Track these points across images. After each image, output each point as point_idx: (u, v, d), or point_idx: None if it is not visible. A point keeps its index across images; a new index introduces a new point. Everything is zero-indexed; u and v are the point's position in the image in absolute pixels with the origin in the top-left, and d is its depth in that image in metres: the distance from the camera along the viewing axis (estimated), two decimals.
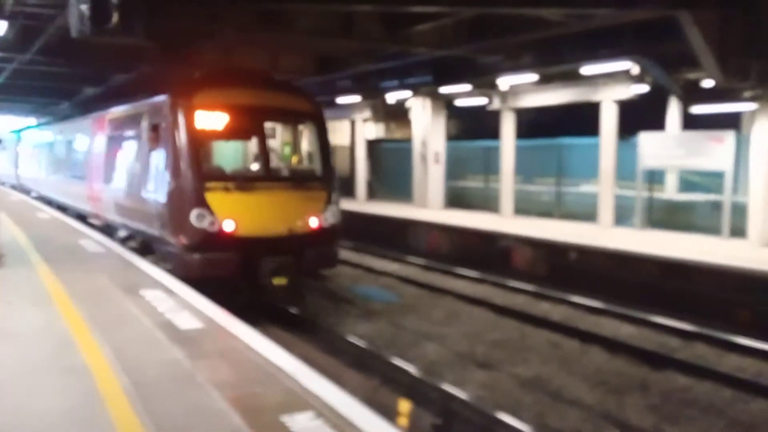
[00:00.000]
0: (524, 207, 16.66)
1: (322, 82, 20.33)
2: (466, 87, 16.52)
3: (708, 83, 12.45)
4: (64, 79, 22.59)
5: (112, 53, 16.23)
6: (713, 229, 12.63)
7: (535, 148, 16.97)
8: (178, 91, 9.13)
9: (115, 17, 7.02)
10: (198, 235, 8.29)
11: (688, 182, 14.75)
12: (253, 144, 9.85)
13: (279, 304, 9.07)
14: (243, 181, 8.77)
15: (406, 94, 18.58)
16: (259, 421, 3.56)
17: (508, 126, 16.64)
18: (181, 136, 8.66)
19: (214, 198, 8.42)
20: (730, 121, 14.07)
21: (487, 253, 13.47)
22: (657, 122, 15.58)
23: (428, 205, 18.56)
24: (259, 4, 11.65)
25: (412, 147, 19.30)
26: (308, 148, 10.00)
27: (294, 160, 10.17)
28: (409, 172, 19.45)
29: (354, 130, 23.27)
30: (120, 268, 8.70)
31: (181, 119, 8.72)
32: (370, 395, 6.22)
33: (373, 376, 6.97)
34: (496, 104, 16.68)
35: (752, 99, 11.42)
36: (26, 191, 21.99)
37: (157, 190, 9.09)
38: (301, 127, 10.37)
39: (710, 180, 13.52)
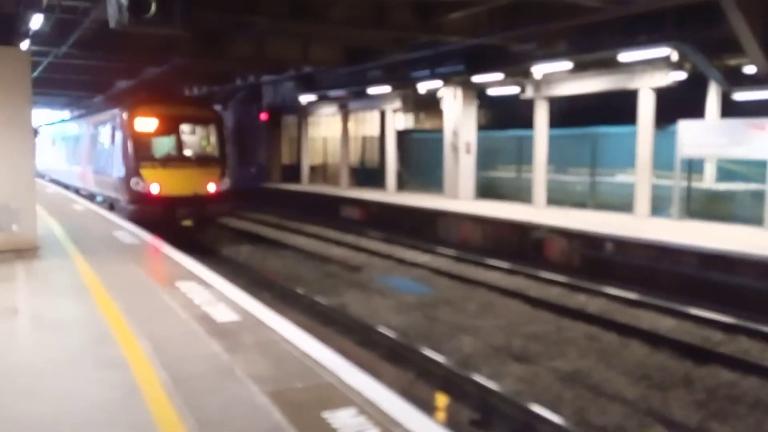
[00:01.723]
0: (557, 197, 16.37)
1: (352, 72, 20.27)
2: (499, 76, 16.25)
3: (750, 69, 12.00)
4: (98, 73, 22.93)
5: (145, 46, 16.38)
6: (754, 220, 12.23)
7: (568, 137, 16.64)
8: (126, 106, 15.30)
9: (153, 7, 7.01)
10: (135, 194, 14.13)
11: (727, 171, 14.30)
12: (172, 138, 15.11)
13: (187, 237, 13.47)
14: (164, 161, 14.57)
15: (437, 83, 18.38)
16: (301, 418, 3.51)
17: (541, 115, 16.34)
18: (127, 135, 14.51)
19: (145, 172, 14.17)
20: None
21: (520, 244, 13.27)
22: (695, 110, 15.11)
23: (459, 196, 18.38)
24: None
25: (443, 137, 19.11)
26: (209, 141, 15.68)
27: (199, 148, 15.64)
28: (440, 163, 19.27)
29: (384, 120, 23.15)
30: (154, 259, 8.80)
31: (127, 123, 14.56)
32: (406, 389, 6.16)
33: (408, 369, 6.90)
34: (529, 93, 16.38)
35: None
36: (41, 176, 25.83)
37: (115, 169, 14.98)
38: (204, 127, 15.70)
39: (750, 169, 13.08)
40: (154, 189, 14.10)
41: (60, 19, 14.66)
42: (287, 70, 21.17)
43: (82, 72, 22.59)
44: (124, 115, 14.78)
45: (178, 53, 16.82)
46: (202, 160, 15.14)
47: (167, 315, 5.80)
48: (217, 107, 30.67)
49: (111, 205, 15.65)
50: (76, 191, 20.41)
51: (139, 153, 14.43)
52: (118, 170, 14.75)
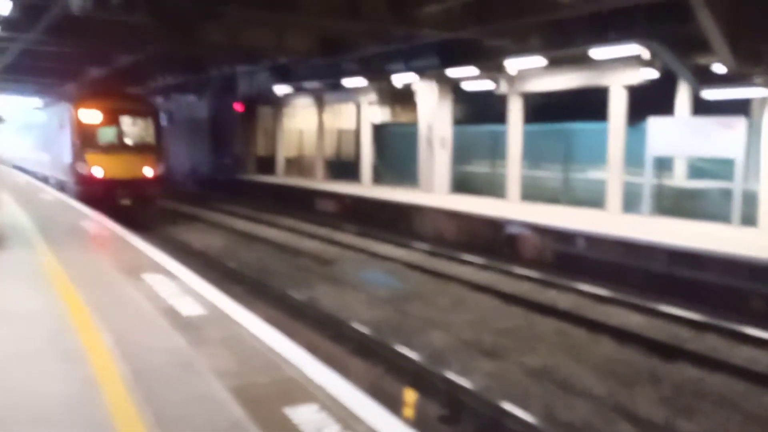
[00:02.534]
0: (531, 193, 16.48)
1: (327, 64, 20.10)
2: (473, 70, 16.27)
3: (719, 68, 12.18)
4: (69, 60, 22.37)
5: (118, 34, 16.01)
6: (723, 217, 12.44)
7: (542, 133, 16.74)
8: (74, 99, 17.76)
9: None
10: (80, 177, 16.33)
11: (697, 169, 14.53)
12: (113, 128, 17.04)
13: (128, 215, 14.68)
14: (106, 148, 16.61)
15: (412, 77, 18.33)
16: (261, 413, 3.44)
17: (515, 110, 16.41)
18: (74, 125, 16.57)
19: (89, 157, 16.27)
20: (740, 108, 13.81)
21: (493, 239, 13.33)
22: (666, 108, 15.32)
23: (434, 190, 18.39)
24: None
25: (418, 131, 19.09)
26: (146, 131, 17.57)
27: (137, 137, 17.40)
28: (415, 157, 19.26)
29: (359, 113, 23.05)
30: (122, 251, 8.61)
31: (74, 115, 16.63)
32: (375, 384, 6.12)
33: (377, 363, 6.86)
34: (504, 88, 16.44)
35: (764, 84, 11.17)
36: (4, 163, 28.58)
37: (65, 154, 17.20)
38: (143, 119, 17.55)
39: (719, 167, 13.30)
40: (97, 172, 16.35)
41: (30, 5, 14.26)
42: (262, 60, 20.91)
43: (53, 59, 22.03)
44: (72, 108, 16.95)
45: (149, 41, 16.49)
46: (140, 148, 17.21)
47: (131, 307, 5.67)
48: (192, 97, 30.46)
49: (61, 186, 18.14)
50: (33, 175, 23.36)
51: (85, 141, 16.54)
52: (67, 156, 17.07)
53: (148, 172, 16.94)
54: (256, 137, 28.31)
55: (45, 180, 20.77)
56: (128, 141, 17.14)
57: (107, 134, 16.95)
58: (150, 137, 17.51)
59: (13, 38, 16.96)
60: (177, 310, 5.52)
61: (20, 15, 14.67)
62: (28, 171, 24.87)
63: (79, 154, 16.37)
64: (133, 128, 17.41)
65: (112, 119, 16.94)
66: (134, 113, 17.50)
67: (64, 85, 30.12)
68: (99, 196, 15.53)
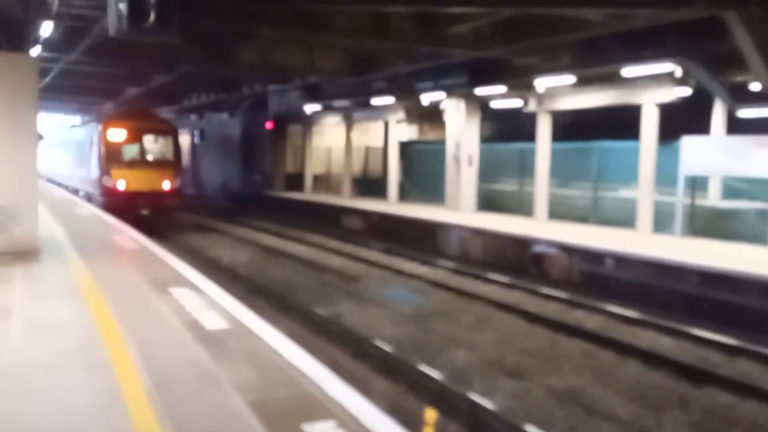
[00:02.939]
0: (559, 211, 16.30)
1: (356, 82, 20.32)
2: (502, 89, 16.26)
3: (755, 86, 11.95)
4: (108, 79, 23.10)
5: (151, 54, 16.49)
6: (758, 238, 12.12)
7: (571, 151, 16.59)
8: (101, 120, 20.14)
9: (151, 16, 7.05)
10: (106, 189, 18.16)
11: (731, 189, 14.20)
12: (136, 146, 18.85)
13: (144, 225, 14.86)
14: (129, 164, 18.47)
15: (440, 95, 18.39)
16: (279, 428, 3.46)
17: (543, 128, 16.31)
18: (102, 143, 18.44)
19: (114, 172, 18.10)
20: None
21: (520, 258, 13.20)
22: (699, 126, 15.04)
23: (460, 208, 18.33)
24: (294, 2, 11.66)
25: (446, 149, 19.10)
26: (166, 149, 19.49)
27: (158, 154, 19.35)
28: (442, 174, 19.25)
29: (387, 131, 23.18)
30: (151, 265, 8.78)
31: (101, 134, 18.52)
32: (396, 402, 6.09)
33: (399, 382, 6.83)
34: (532, 106, 16.37)
35: None
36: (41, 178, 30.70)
37: (93, 169, 19.26)
38: (163, 137, 19.47)
39: (755, 186, 12.99)
40: (121, 185, 18.12)
41: (70, 27, 14.79)
42: (293, 79, 21.25)
43: (92, 78, 22.77)
44: (100, 128, 18.92)
45: (185, 61, 16.93)
46: (159, 164, 19.06)
47: (157, 320, 5.77)
48: (224, 115, 31.07)
49: (89, 198, 20.20)
50: (65, 188, 25.52)
51: (110, 157, 18.37)
52: (94, 170, 19.09)
53: (167, 185, 18.73)
54: (286, 154, 28.67)
55: (75, 192, 22.80)
56: (149, 157, 19.06)
57: (130, 151, 18.81)
58: (169, 154, 19.44)
59: (54, 59, 17.58)
60: (201, 324, 5.59)
61: (61, 36, 15.23)
62: (62, 185, 26.78)
63: (104, 169, 18.29)
64: (153, 146, 19.30)
65: (135, 138, 18.78)
66: (155, 132, 19.44)
67: (103, 104, 31.13)
68: (122, 206, 17.26)
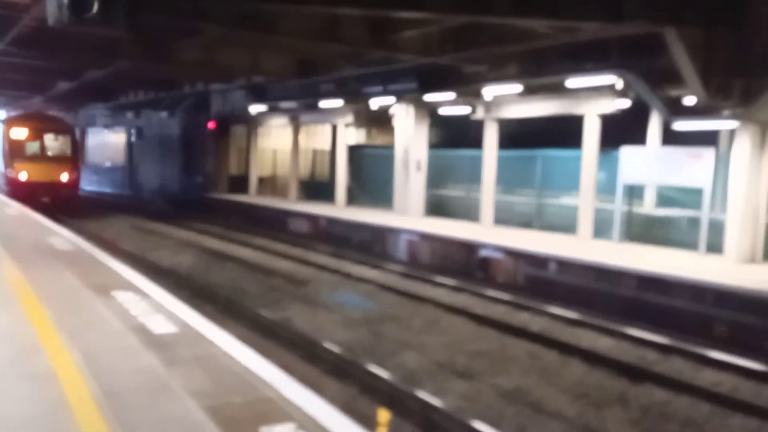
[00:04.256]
0: (504, 217, 16.66)
1: (304, 84, 20.17)
2: (451, 95, 16.49)
3: (690, 100, 12.58)
4: (37, 73, 22.06)
5: (87, 48, 15.87)
6: (690, 245, 12.74)
7: (516, 159, 17.00)
8: (7, 121, 23.50)
9: (95, 6, 6.79)
10: (10, 180, 21.46)
11: (667, 198, 14.89)
12: (37, 143, 22.23)
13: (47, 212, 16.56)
14: (30, 158, 21.78)
15: (389, 100, 18.49)
16: None
17: (490, 136, 16.65)
18: (6, 140, 22.00)
19: (17, 165, 21.42)
20: (709, 139, 14.24)
21: (467, 262, 13.41)
22: (638, 137, 15.71)
23: (408, 213, 18.47)
24: (242, 2, 11.49)
25: (394, 154, 19.21)
26: (64, 145, 22.89)
27: (57, 150, 22.67)
28: (390, 179, 19.34)
29: (335, 134, 23.12)
30: (90, 268, 8.43)
31: (6, 132, 22.07)
32: (349, 404, 6.07)
33: (351, 384, 6.82)
34: (480, 114, 16.69)
35: (733, 117, 11.55)
36: None
37: (3, 164, 22.32)
38: (61, 136, 23.01)
39: (688, 196, 13.66)
40: (23, 176, 21.54)
41: None
42: (237, 79, 20.90)
43: (21, 71, 21.69)
44: (5, 128, 22.48)
45: (123, 56, 16.38)
46: (58, 158, 22.44)
47: (101, 326, 5.54)
48: (163, 114, 30.28)
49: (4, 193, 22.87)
50: None
51: (14, 152, 21.81)
52: (2, 164, 22.54)
53: (65, 177, 22.31)
54: (229, 156, 28.15)
55: None
56: (49, 153, 22.45)
57: (32, 147, 22.18)
58: (67, 150, 22.95)
59: None
60: (148, 329, 5.42)
61: None
62: None
63: (9, 162, 21.76)
64: (53, 143, 22.60)
65: (36, 136, 22.29)
66: (55, 131, 22.94)
67: (31, 98, 29.83)
68: (25, 195, 20.11)
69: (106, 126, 37.80)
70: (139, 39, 15.14)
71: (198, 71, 19.85)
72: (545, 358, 8.00)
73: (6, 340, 5.05)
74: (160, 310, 6.13)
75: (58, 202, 20.98)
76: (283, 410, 3.75)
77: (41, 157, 21.97)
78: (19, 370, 4.37)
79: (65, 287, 7.11)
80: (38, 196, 20.44)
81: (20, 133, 22.08)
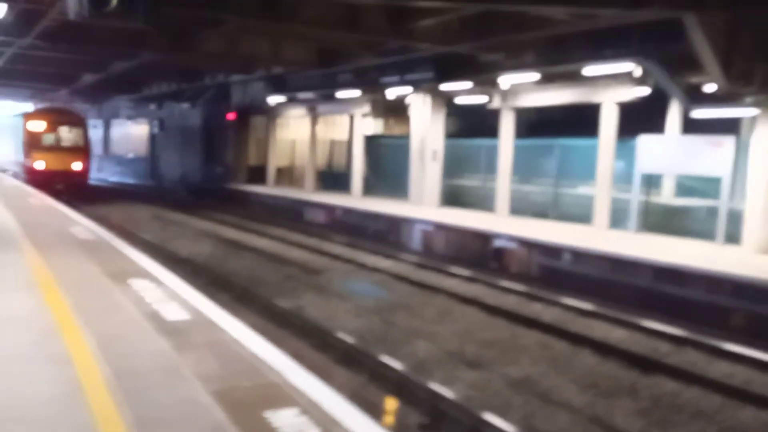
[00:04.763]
0: (520, 207, 16.60)
1: (322, 75, 20.25)
2: (467, 84, 16.44)
3: (710, 87, 12.39)
4: (64, 65, 22.47)
5: (112, 40, 16.10)
6: (708, 235, 12.59)
7: (533, 148, 16.90)
8: (26, 115, 25.55)
9: (114, 0, 6.90)
10: (28, 168, 24.06)
11: (685, 187, 14.71)
12: (53, 135, 24.51)
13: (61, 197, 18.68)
14: (47, 148, 24.01)
15: (406, 90, 18.49)
16: (242, 416, 3.49)
17: (507, 125, 16.57)
18: (25, 132, 24.36)
19: (35, 155, 23.83)
20: (732, 126, 14.01)
21: (481, 252, 13.41)
22: (657, 125, 15.52)
23: (424, 203, 18.49)
24: None
25: (410, 144, 19.21)
26: (77, 137, 25.14)
27: (70, 141, 24.93)
28: (406, 169, 19.37)
29: (352, 124, 23.17)
30: (109, 256, 8.63)
31: (25, 126, 24.48)
32: (358, 392, 6.17)
33: (361, 372, 6.91)
34: (497, 103, 16.60)
35: (754, 104, 11.36)
36: None
37: (21, 153, 25.02)
38: (75, 128, 25.13)
39: (707, 185, 13.47)
40: (40, 165, 23.80)
41: (24, 9, 14.33)
42: (257, 69, 21.04)
43: (48, 64, 22.12)
44: (23, 121, 24.82)
45: (147, 48, 16.59)
46: (71, 149, 24.69)
47: (117, 312, 5.70)
48: (185, 105, 30.60)
49: (17, 175, 25.68)
50: (6, 171, 29.56)
51: (32, 143, 24.08)
52: (21, 153, 24.94)
53: (77, 166, 24.67)
54: (248, 146, 28.38)
55: (15, 176, 26.78)
56: (63, 144, 24.63)
57: (48, 139, 24.37)
58: (80, 141, 25.14)
59: (7, 42, 17.01)
60: (162, 315, 5.55)
61: (15, 19, 14.75)
62: (6, 170, 30.27)
63: (27, 152, 24.13)
64: (67, 135, 24.72)
65: (51, 128, 24.45)
66: (69, 123, 25.07)
67: (58, 90, 30.41)
68: (41, 182, 22.06)
69: (129, 118, 38.35)
70: (164, 31, 15.31)
71: (221, 61, 20.03)
72: (556, 349, 8.00)
73: (26, 325, 5.23)
74: (174, 297, 6.27)
75: (70, 189, 22.93)
76: (288, 395, 3.85)
77: (56, 147, 24.22)
78: (37, 353, 4.53)
79: (84, 274, 7.30)
80: (53, 183, 22.44)
81: (37, 125, 24.33)
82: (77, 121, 25.58)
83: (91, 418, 3.46)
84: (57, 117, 25.02)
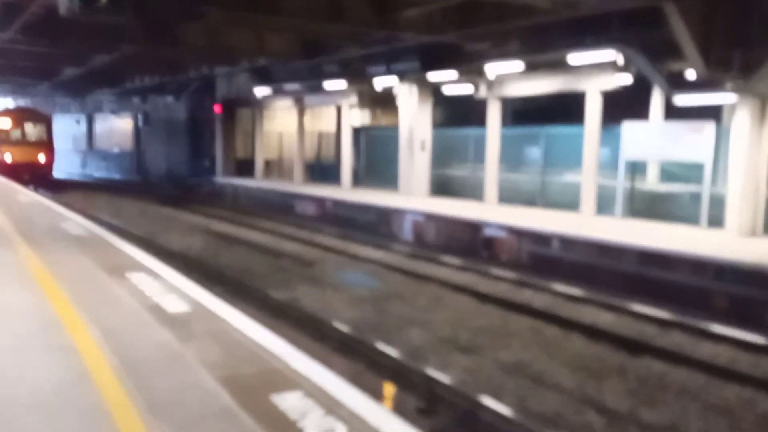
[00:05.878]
0: (509, 195, 16.80)
1: (308, 66, 20.26)
2: (453, 74, 16.56)
3: (691, 74, 12.61)
4: (45, 59, 22.25)
5: (94, 34, 16.00)
6: (692, 219, 12.86)
7: (520, 137, 17.08)
8: None
9: None
10: None
11: (669, 173, 14.97)
12: (18, 130, 27.49)
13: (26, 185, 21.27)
14: (14, 143, 27.27)
15: (393, 80, 18.57)
16: (249, 400, 3.61)
17: (493, 114, 16.73)
18: None
19: (3, 148, 26.90)
20: (713, 113, 14.26)
21: (471, 241, 13.59)
22: (641, 113, 15.75)
23: (413, 193, 18.63)
24: None
25: (399, 134, 19.32)
26: (41, 132, 28.17)
27: (35, 136, 27.92)
28: (395, 160, 19.48)
29: (340, 116, 23.21)
30: (103, 251, 8.67)
31: None
32: (356, 378, 6.30)
33: (358, 360, 7.05)
34: (483, 92, 16.75)
35: (733, 90, 11.60)
36: None
37: None
38: (39, 124, 28.29)
39: (690, 171, 13.74)
40: (8, 158, 26.62)
41: (5, 3, 14.19)
42: (242, 61, 21.00)
43: (28, 58, 21.89)
44: None
45: (130, 41, 16.52)
46: (36, 143, 27.74)
47: (117, 305, 5.78)
48: (169, 98, 30.44)
49: None
50: None
51: (0, 139, 26.91)
52: None
53: (42, 158, 27.55)
54: (235, 139, 28.34)
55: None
56: (29, 138, 27.62)
57: (15, 134, 27.34)
58: (43, 136, 28.11)
59: None
60: (162, 307, 5.64)
61: None
62: None
63: None
64: (32, 130, 27.82)
65: (18, 124, 27.60)
66: (33, 120, 28.29)
67: (39, 85, 30.31)
68: (10, 173, 24.06)
69: (113, 112, 38.05)
70: (145, 23, 15.26)
71: (203, 54, 19.95)
72: (547, 334, 8.19)
73: (27, 317, 5.30)
74: (173, 290, 6.35)
75: (36, 179, 25.64)
76: (291, 379, 3.97)
77: (22, 142, 27.24)
78: (43, 344, 4.61)
79: (80, 269, 7.35)
80: (20, 174, 24.76)
81: (4, 122, 27.50)
82: (41, 118, 28.83)
83: (102, 403, 3.56)
84: (22, 114, 28.63)
